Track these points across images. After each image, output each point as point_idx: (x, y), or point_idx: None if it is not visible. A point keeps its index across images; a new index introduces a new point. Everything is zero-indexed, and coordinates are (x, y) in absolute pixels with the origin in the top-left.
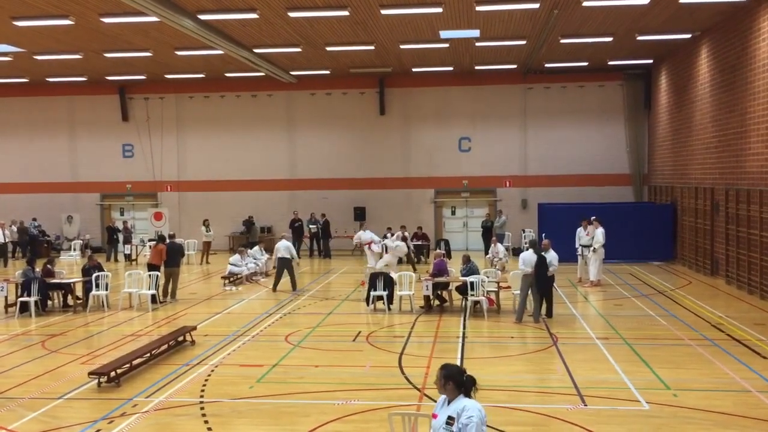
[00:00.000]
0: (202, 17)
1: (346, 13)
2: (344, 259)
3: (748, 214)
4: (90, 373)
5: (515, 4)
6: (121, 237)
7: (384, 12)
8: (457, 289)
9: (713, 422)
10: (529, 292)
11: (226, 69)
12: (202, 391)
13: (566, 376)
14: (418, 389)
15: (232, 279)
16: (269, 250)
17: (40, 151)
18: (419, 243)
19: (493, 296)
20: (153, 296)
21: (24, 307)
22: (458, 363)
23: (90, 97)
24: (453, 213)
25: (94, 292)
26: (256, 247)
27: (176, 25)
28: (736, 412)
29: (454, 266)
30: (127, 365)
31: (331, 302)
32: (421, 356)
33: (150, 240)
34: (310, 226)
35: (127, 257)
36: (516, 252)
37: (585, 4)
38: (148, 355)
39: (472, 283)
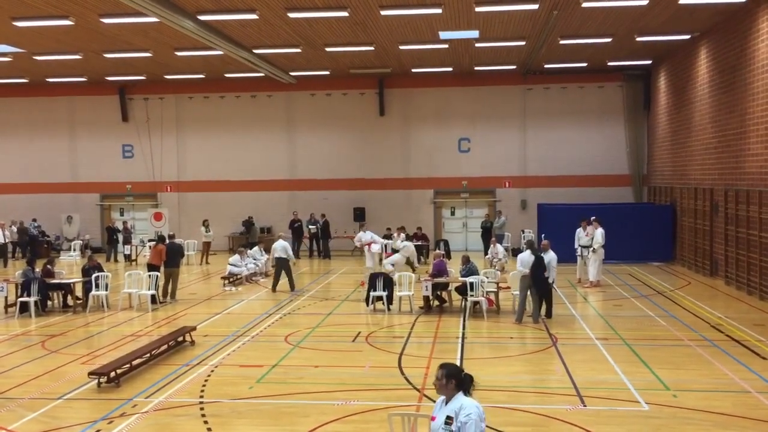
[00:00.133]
0: (202, 18)
1: (345, 13)
2: (344, 260)
3: (747, 214)
4: (90, 374)
5: (515, 5)
6: (120, 237)
7: (383, 13)
8: (457, 289)
9: (713, 423)
10: (529, 292)
11: (226, 69)
12: (202, 391)
13: (566, 377)
14: (418, 390)
15: (231, 279)
16: (269, 250)
17: (40, 151)
18: (419, 243)
19: (492, 297)
20: (153, 296)
21: (24, 308)
22: (458, 363)
23: (90, 97)
24: (452, 213)
25: (93, 292)
26: (256, 248)
27: (176, 26)
28: (736, 413)
29: (454, 267)
30: (127, 365)
31: (330, 303)
32: (421, 357)
33: (150, 240)
34: (310, 226)
35: (127, 257)
36: (515, 252)
37: (584, 4)
38: (148, 355)
39: (471, 284)
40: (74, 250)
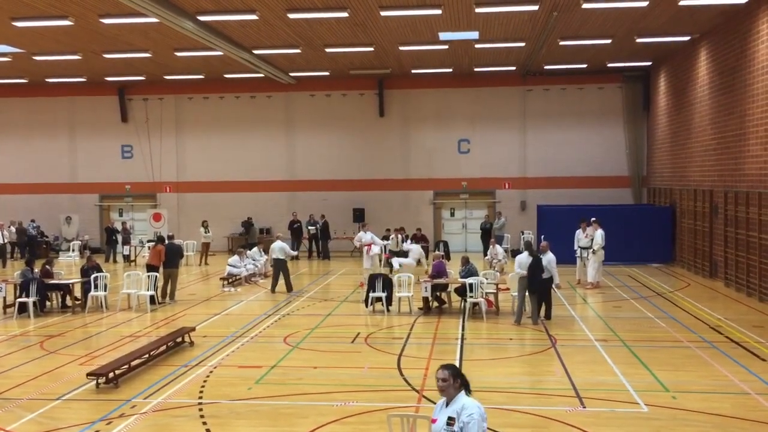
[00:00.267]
0: (202, 18)
1: (345, 14)
2: (343, 261)
3: (747, 216)
4: (88, 374)
5: (515, 6)
6: (120, 238)
7: (383, 13)
8: (456, 290)
9: (712, 424)
10: (527, 294)
11: (226, 70)
12: (201, 392)
13: (565, 378)
14: (417, 391)
15: (230, 280)
16: (268, 251)
17: (39, 151)
18: (418, 245)
19: (491, 298)
20: (152, 297)
21: (22, 308)
22: (457, 365)
23: (89, 97)
24: (452, 214)
25: (92, 292)
26: (255, 248)
27: (176, 26)
28: (735, 415)
29: (453, 268)
30: (126, 366)
31: (329, 303)
32: (420, 358)
33: (149, 241)
34: (309, 227)
35: (126, 258)
36: (515, 254)
37: (584, 6)
38: (147, 356)
39: (470, 285)
40: (73, 250)
